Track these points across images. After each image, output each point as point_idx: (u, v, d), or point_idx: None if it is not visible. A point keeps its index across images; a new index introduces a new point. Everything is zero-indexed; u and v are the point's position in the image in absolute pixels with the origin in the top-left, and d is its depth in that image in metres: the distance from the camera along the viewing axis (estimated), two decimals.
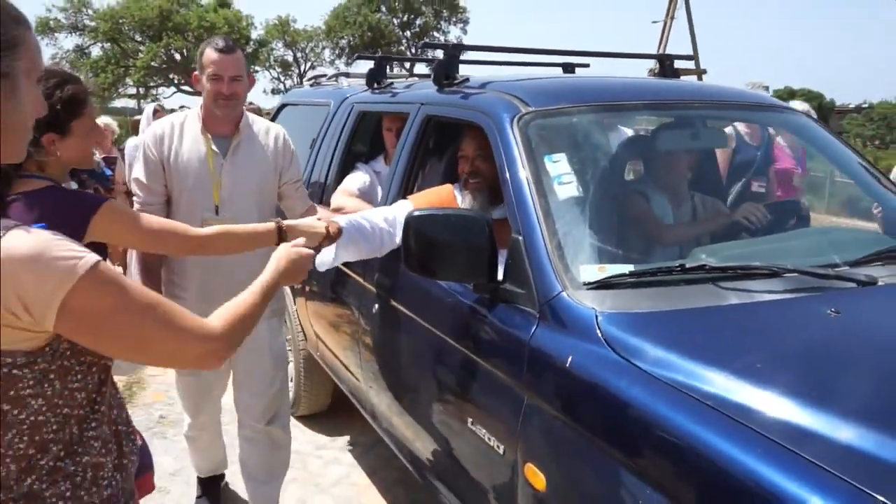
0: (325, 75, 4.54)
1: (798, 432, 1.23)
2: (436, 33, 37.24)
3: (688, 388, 1.38)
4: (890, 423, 1.22)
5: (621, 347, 1.55)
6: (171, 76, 33.27)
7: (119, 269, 1.76)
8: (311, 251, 1.73)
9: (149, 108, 6.85)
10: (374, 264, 2.62)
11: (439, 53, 2.88)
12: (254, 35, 33.35)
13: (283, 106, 4.65)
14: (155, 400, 4.22)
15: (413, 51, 35.94)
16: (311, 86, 4.53)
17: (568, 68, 3.42)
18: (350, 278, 2.90)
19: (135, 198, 2.64)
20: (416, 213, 1.94)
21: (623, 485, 1.42)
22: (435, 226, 1.91)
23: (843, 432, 1.21)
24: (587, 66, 3.54)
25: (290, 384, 3.98)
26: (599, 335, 1.60)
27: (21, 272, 1.00)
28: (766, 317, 1.65)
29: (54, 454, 1.14)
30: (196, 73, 2.59)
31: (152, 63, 31.54)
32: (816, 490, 1.10)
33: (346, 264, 2.84)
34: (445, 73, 2.70)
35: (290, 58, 38.12)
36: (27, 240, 1.02)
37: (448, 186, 2.59)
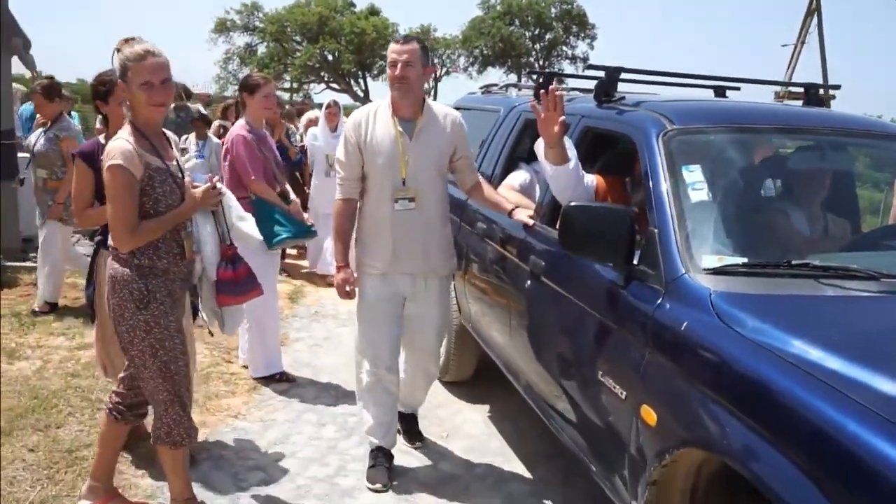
0: (496, 84, 5.12)
1: (855, 384, 1.62)
2: (564, 47, 38.35)
3: (774, 349, 1.80)
4: None
5: (727, 317, 1.98)
6: (322, 74, 36.22)
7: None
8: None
9: (326, 102, 7.49)
10: (529, 249, 3.15)
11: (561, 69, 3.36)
12: None
13: (455, 109, 5.28)
14: (312, 304, 6.45)
15: (541, 62, 37.21)
16: (483, 93, 5.13)
17: (719, 92, 3.80)
18: (507, 259, 3.44)
19: (337, 175, 3.27)
20: (574, 204, 2.44)
21: (719, 420, 1.86)
22: (588, 215, 2.40)
23: (891, 387, 1.60)
24: (738, 89, 3.91)
25: (442, 352, 4.58)
26: (711, 307, 2.03)
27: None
28: (853, 306, 2.02)
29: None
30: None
31: (308, 62, 34.49)
32: (852, 416, 1.51)
33: (506, 247, 3.41)
34: (605, 91, 3.18)
35: None
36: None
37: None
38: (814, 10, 15.49)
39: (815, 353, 1.74)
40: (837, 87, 3.53)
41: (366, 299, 3.29)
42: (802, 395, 1.64)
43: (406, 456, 3.58)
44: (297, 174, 7.60)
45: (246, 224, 2.88)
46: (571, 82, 4.30)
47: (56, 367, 4.28)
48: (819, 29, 16.08)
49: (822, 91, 3.27)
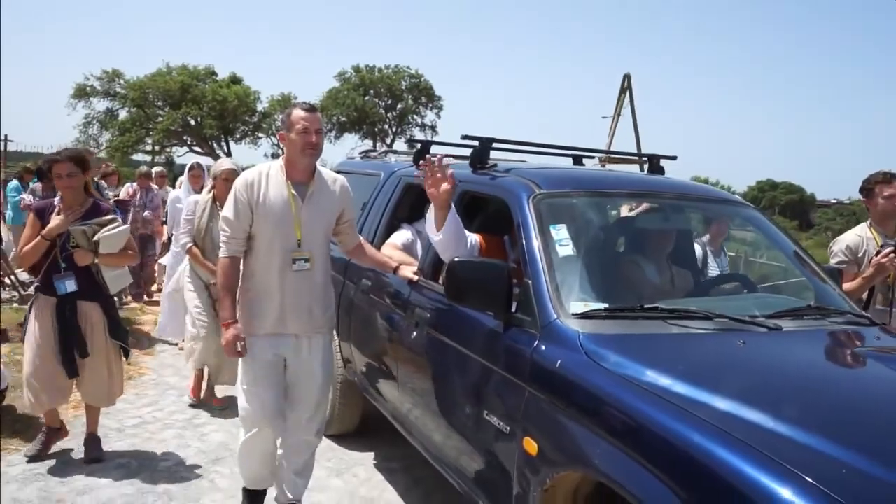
0: (374, 150, 5.42)
1: (696, 403, 1.96)
2: (415, 116, 42.64)
3: (634, 379, 2.13)
4: (752, 399, 1.96)
5: (594, 354, 2.30)
6: (185, 138, 36.65)
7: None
8: None
9: (189, 164, 7.28)
10: (414, 303, 3.39)
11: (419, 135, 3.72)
12: (259, 108, 37.61)
13: (336, 172, 5.51)
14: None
15: (394, 129, 41.35)
16: (362, 158, 5.40)
17: (577, 160, 4.28)
18: (392, 312, 3.66)
19: (222, 232, 3.27)
20: (458, 259, 2.72)
21: (589, 442, 2.15)
22: (471, 269, 2.68)
23: (723, 404, 1.95)
24: (593, 157, 4.42)
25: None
26: (580, 347, 2.35)
27: None
28: (694, 341, 2.41)
29: None
30: (281, 132, 3.23)
31: (171, 127, 34.77)
32: (695, 429, 1.84)
33: (392, 301, 3.63)
34: (480, 159, 3.53)
35: None
36: None
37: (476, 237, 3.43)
38: (626, 89, 17.86)
39: (664, 381, 2.09)
40: (674, 157, 4.07)
41: (250, 360, 3.29)
42: (655, 414, 1.97)
43: None
44: None
45: None
46: (444, 149, 4.66)
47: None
48: (631, 104, 18.45)
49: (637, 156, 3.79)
